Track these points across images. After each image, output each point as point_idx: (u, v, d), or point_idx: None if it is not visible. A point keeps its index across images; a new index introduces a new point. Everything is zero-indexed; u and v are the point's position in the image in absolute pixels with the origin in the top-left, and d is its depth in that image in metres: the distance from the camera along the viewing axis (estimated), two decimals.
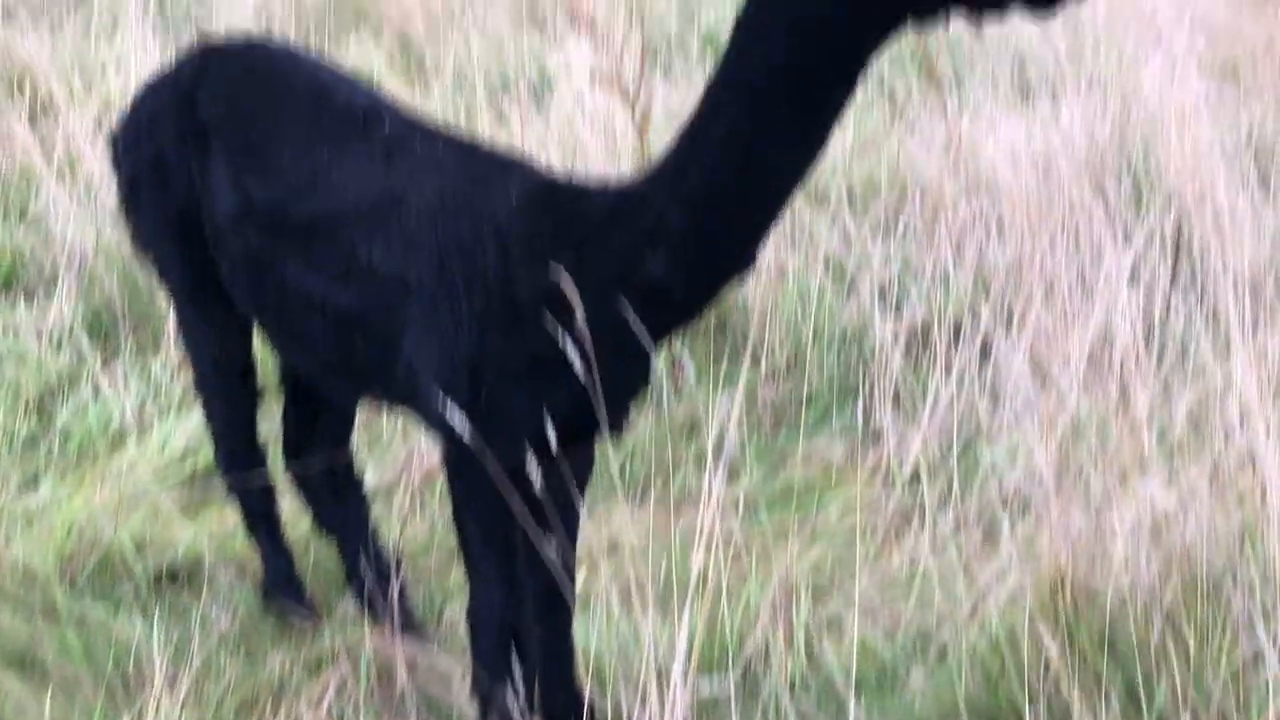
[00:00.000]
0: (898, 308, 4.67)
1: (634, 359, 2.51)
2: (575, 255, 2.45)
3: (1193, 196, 4.97)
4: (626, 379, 2.57)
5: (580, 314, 2.36)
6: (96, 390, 4.30)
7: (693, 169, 2.34)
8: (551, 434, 2.40)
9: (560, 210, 2.52)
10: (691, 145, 2.36)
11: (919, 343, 4.51)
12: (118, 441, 4.10)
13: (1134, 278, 4.58)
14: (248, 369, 3.17)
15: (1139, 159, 5.27)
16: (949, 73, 6.94)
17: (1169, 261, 4.66)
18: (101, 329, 4.70)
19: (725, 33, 6.55)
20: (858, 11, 2.19)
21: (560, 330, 2.39)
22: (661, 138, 5.75)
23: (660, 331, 2.49)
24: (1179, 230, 4.81)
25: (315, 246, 2.68)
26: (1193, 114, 5.54)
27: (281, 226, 2.72)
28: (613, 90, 4.06)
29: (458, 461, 2.56)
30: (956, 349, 4.32)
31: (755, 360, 4.45)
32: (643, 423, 4.14)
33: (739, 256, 2.45)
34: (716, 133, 2.31)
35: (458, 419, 2.40)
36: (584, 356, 2.37)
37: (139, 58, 6.35)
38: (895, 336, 4.43)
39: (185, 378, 4.20)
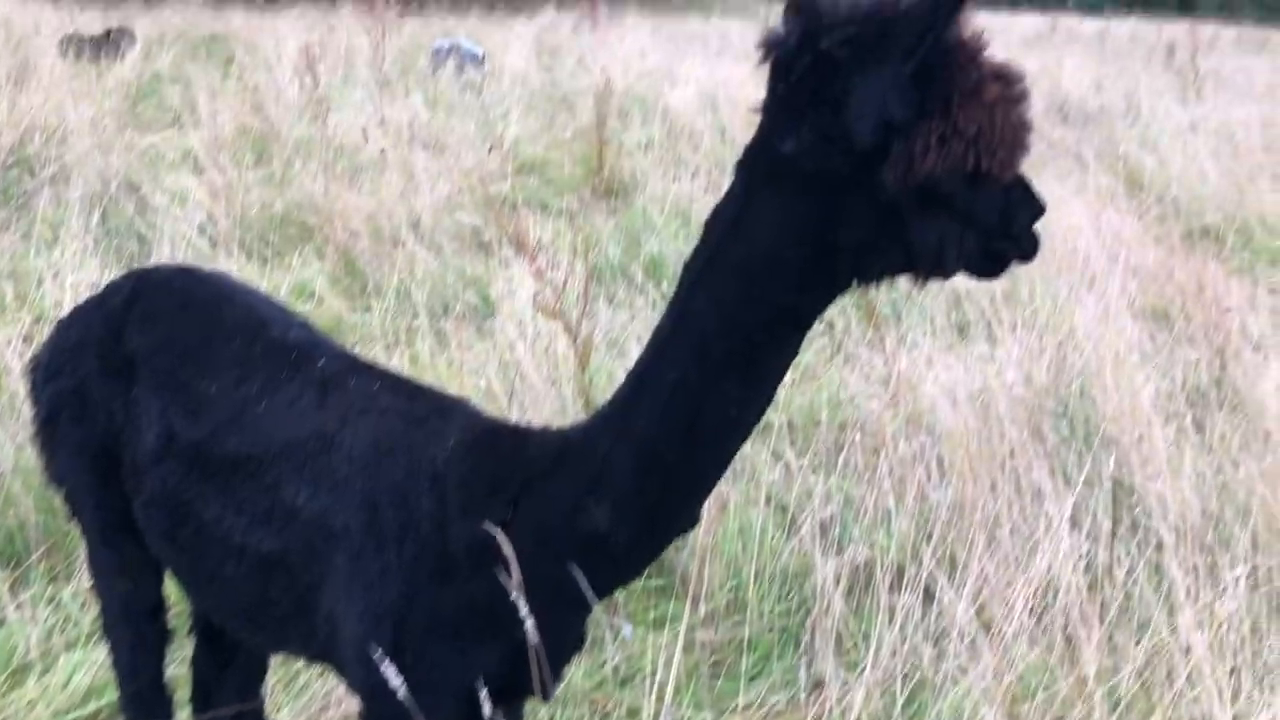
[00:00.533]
0: (839, 547, 4.60)
1: (572, 616, 2.39)
2: (515, 504, 2.36)
3: (1130, 442, 5.01)
4: (563, 637, 2.45)
5: (519, 566, 2.25)
6: (2, 619, 4.07)
7: (639, 418, 2.29)
8: (484, 695, 2.27)
9: (501, 456, 2.44)
10: (638, 394, 2.31)
11: (861, 585, 4.42)
12: (19, 676, 3.86)
13: (1075, 523, 4.57)
14: (158, 609, 3.00)
15: (1075, 402, 5.32)
16: (887, 308, 7.09)
17: (1109, 508, 4.65)
18: (13, 552, 4.49)
19: (668, 262, 6.70)
20: (808, 280, 2.18)
21: (497, 583, 2.28)
22: (603, 366, 5.82)
23: (600, 587, 2.38)
24: (1118, 476, 4.83)
25: (238, 486, 2.56)
26: (1127, 357, 5.65)
27: (204, 464, 2.61)
28: (554, 318, 4.03)
29: None
30: (899, 593, 4.24)
31: (694, 601, 4.32)
32: (575, 668, 3.98)
33: (686, 509, 2.37)
34: (664, 382, 2.26)
35: (384, 675, 2.25)
36: (523, 612, 2.25)
37: (77, 270, 6.30)
38: (837, 578, 4.34)
39: (96, 609, 4.00)
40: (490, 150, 9.94)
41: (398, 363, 5.95)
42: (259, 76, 13.51)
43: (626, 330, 6.61)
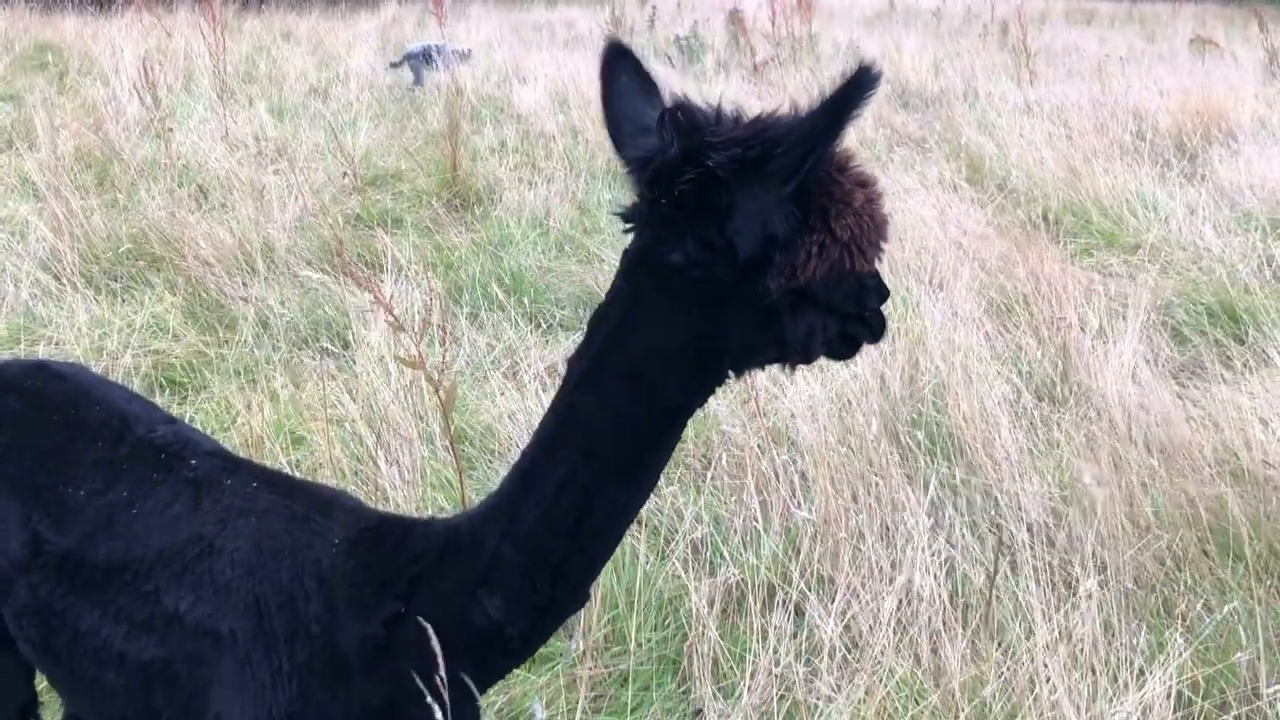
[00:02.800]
0: (711, 569, 4.71)
1: (468, 707, 2.44)
2: (405, 599, 2.40)
3: (982, 443, 5.23)
4: None
5: (413, 663, 2.29)
6: None
7: (526, 514, 2.34)
8: None
9: (387, 552, 2.46)
10: (524, 490, 2.35)
11: (734, 607, 4.54)
12: None
13: (937, 530, 4.77)
14: (28, 708, 2.96)
15: (929, 408, 5.52)
16: None
17: (965, 514, 4.86)
18: None
19: (527, 276, 6.72)
20: (692, 380, 2.27)
21: (392, 683, 2.31)
22: (470, 406, 5.86)
23: (491, 675, 2.44)
24: (971, 480, 5.04)
25: (114, 595, 2.53)
26: (976, 357, 5.88)
27: (76, 573, 2.57)
28: (415, 368, 4.05)
29: None
30: (771, 613, 4.38)
31: (572, 636, 4.40)
32: None
33: (577, 592, 2.44)
34: (550, 479, 2.32)
35: None
36: (418, 707, 2.30)
37: None
38: (710, 601, 4.45)
39: None
40: (344, 175, 9.82)
41: (256, 400, 5.90)
42: (96, 91, 13.10)
43: (489, 356, 6.64)
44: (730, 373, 2.30)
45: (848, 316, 2.29)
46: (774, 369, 2.44)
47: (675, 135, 2.17)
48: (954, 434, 5.32)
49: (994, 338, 6.51)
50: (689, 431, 5.67)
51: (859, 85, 2.05)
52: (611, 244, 8.60)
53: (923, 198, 9.04)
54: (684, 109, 2.19)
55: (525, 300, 7.50)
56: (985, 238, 8.08)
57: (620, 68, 2.40)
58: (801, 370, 5.96)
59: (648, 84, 2.39)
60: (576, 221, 9.34)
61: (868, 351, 5.89)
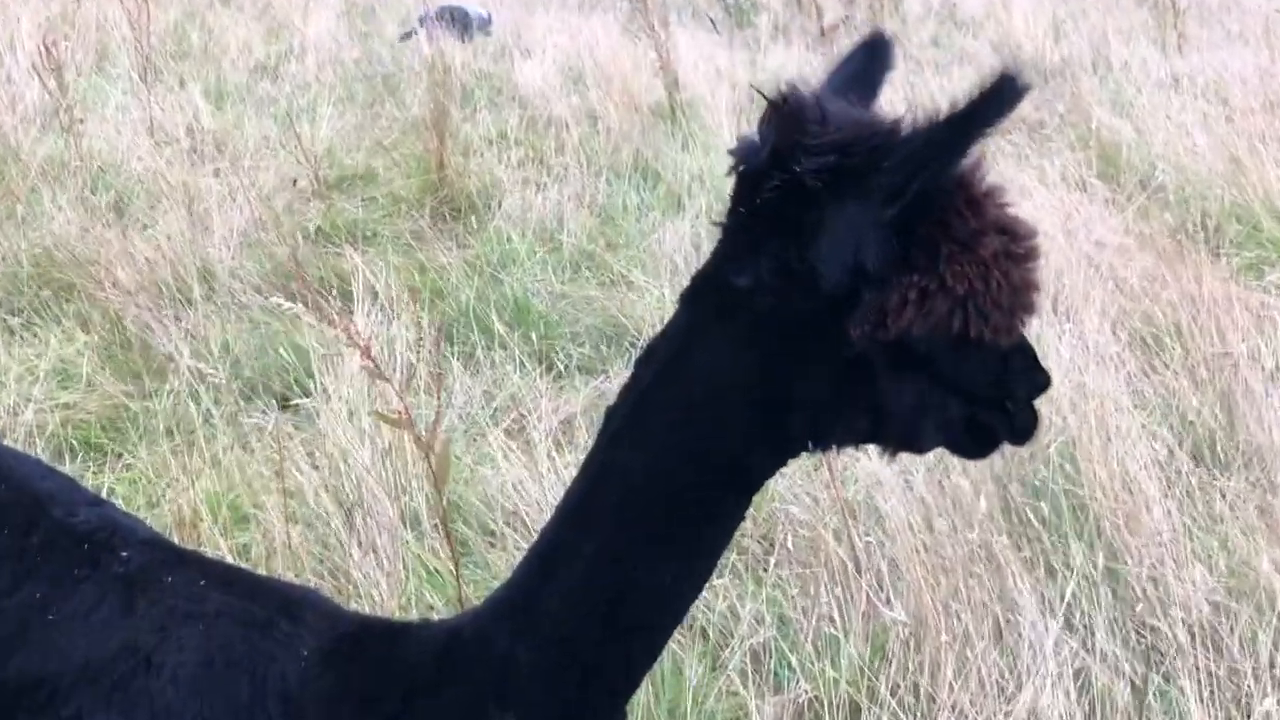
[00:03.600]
0: (777, 684, 4.74)
1: None
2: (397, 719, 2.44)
3: (1125, 518, 5.23)
4: None
5: None
6: None
7: (547, 605, 2.39)
8: None
9: (371, 665, 2.49)
10: (545, 574, 2.40)
11: None
12: None
13: (1069, 628, 4.77)
14: None
15: (1054, 471, 5.53)
16: None
17: (1105, 609, 4.86)
18: None
19: (534, 305, 6.77)
20: (755, 437, 2.34)
21: None
22: (465, 476, 5.90)
23: None
24: (1112, 567, 5.04)
25: (29, 716, 2.59)
26: (1114, 406, 5.89)
27: None
28: (400, 428, 4.11)
29: None
30: None
31: None
32: None
33: (613, 706, 2.47)
34: (578, 558, 2.37)
35: None
36: None
37: None
38: None
39: None
40: (301, 177, 9.94)
41: (191, 468, 5.96)
42: None
43: (487, 409, 6.70)
44: (808, 440, 2.35)
45: (980, 401, 2.35)
46: (871, 450, 2.50)
47: (769, 131, 2.24)
48: (1087, 507, 5.33)
49: (1137, 380, 6.51)
50: None
51: (998, 97, 2.11)
52: (642, 262, 8.67)
53: (1042, 199, 9.06)
54: (792, 101, 2.25)
55: (533, 336, 7.57)
56: (1124, 250, 8.09)
57: (858, 59, 2.52)
58: None
59: (872, 79, 2.49)
60: (597, 233, 9.41)
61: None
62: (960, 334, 2.24)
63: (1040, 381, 2.39)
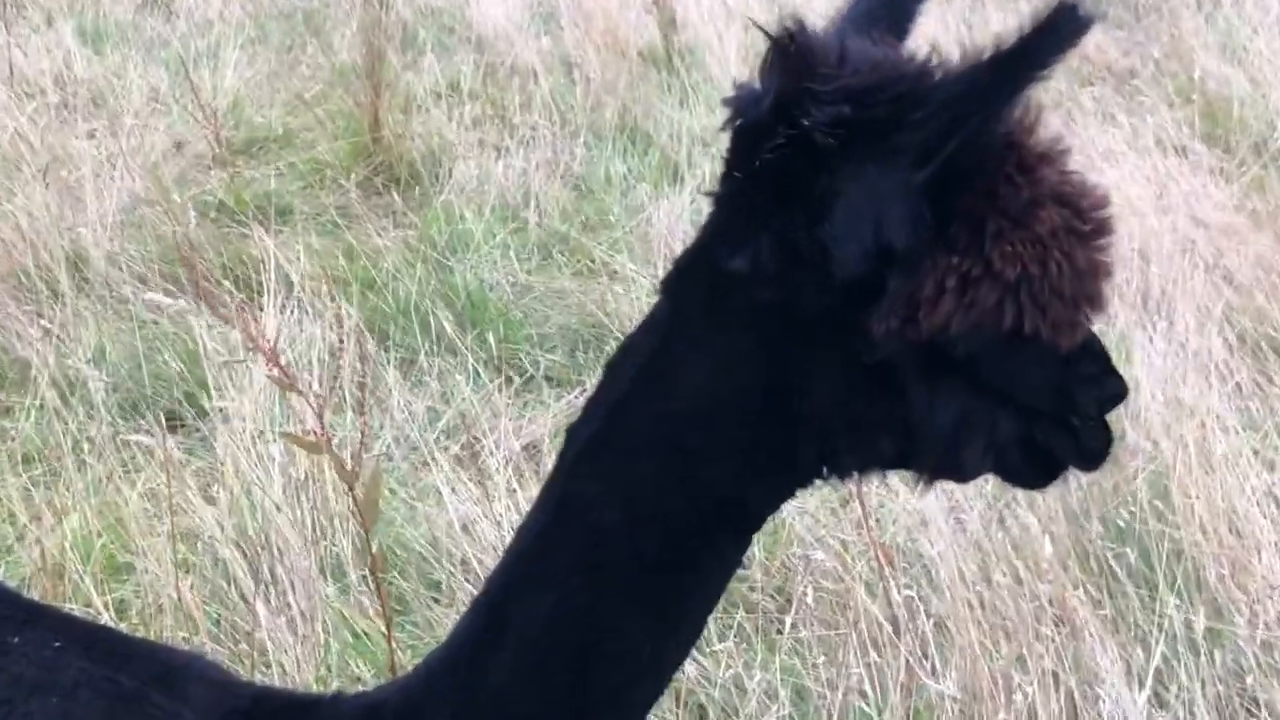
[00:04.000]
0: None
1: None
2: None
3: (1231, 567, 5.23)
4: None
5: None
6: None
7: (498, 662, 2.39)
8: None
9: None
10: (495, 625, 2.40)
11: None
12: None
13: (1155, 704, 4.77)
14: None
15: (1143, 508, 5.53)
16: None
17: (1209, 682, 4.86)
18: None
19: (492, 301, 6.77)
20: (755, 461, 2.36)
21: None
22: (398, 511, 5.90)
23: None
24: (1216, 627, 5.04)
25: None
26: (1220, 427, 5.89)
27: None
28: (317, 453, 4.10)
29: None
30: None
31: None
32: None
33: None
34: (533, 616, 2.37)
35: None
36: None
37: None
38: None
39: None
40: (179, 146, 9.91)
41: (56, 503, 5.95)
42: None
43: (432, 430, 6.69)
44: (820, 467, 2.35)
45: (1039, 416, 2.36)
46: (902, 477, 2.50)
47: (773, 78, 2.24)
48: (1184, 553, 5.33)
49: (1249, 394, 6.52)
50: (755, 551, 5.72)
51: (1053, 32, 2.10)
52: (629, 246, 8.67)
53: (1132, 166, 9.08)
54: (799, 38, 2.25)
55: (490, 339, 7.56)
56: (1233, 231, 8.11)
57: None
58: None
59: (901, 14, 2.51)
60: (572, 210, 9.42)
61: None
62: (1012, 330, 2.24)
63: (1114, 390, 2.40)
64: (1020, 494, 5.50)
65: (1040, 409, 2.33)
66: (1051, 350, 2.28)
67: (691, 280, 2.38)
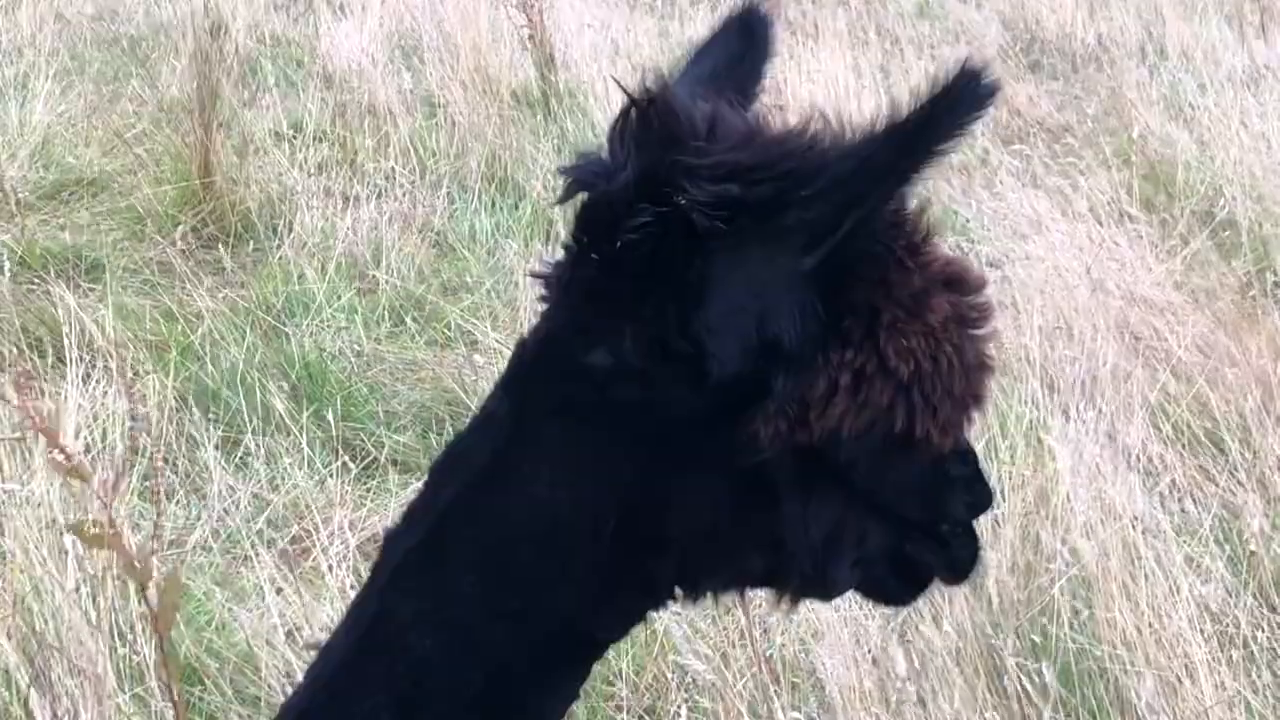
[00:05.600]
0: None
1: None
2: None
3: (1163, 690, 5.25)
4: None
5: None
6: None
7: None
8: None
9: None
10: None
11: None
12: None
13: None
14: None
15: (1061, 621, 5.54)
16: None
17: None
18: None
19: (333, 372, 6.71)
20: (605, 583, 2.34)
21: None
22: (209, 612, 5.82)
23: None
24: None
25: None
26: (1152, 532, 5.91)
27: None
28: (103, 547, 4.05)
29: None
30: None
31: None
32: None
33: None
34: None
35: None
36: None
37: None
38: None
39: None
40: None
41: None
42: None
43: (255, 520, 6.63)
44: (674, 587, 2.33)
45: (909, 526, 2.37)
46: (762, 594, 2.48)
47: (632, 145, 2.21)
48: (1109, 673, 5.35)
49: (1184, 494, 6.56)
50: (622, 665, 5.69)
51: (956, 101, 2.08)
52: (493, 313, 8.65)
53: (1062, 233, 9.16)
54: (662, 100, 2.22)
55: (329, 416, 7.50)
56: (1171, 310, 8.18)
57: (726, 43, 2.52)
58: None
59: (746, 73, 2.50)
60: (430, 270, 9.40)
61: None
62: (903, 433, 2.25)
63: (984, 495, 2.43)
64: (926, 607, 5.50)
65: (911, 517, 2.34)
66: (928, 455, 2.29)
67: (538, 380, 2.34)
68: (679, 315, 2.19)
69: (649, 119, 2.21)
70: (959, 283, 2.27)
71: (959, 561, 2.41)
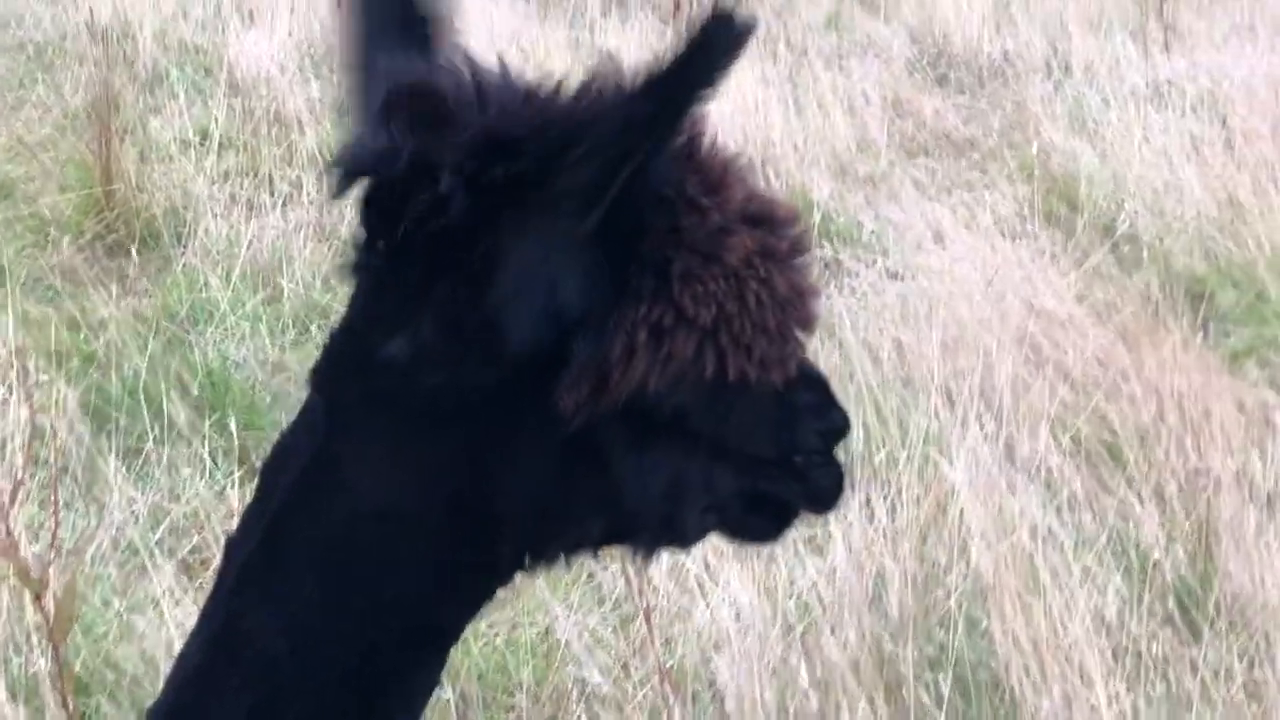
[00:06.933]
0: None
1: None
2: None
3: (1061, 699, 5.27)
4: None
5: None
6: None
7: None
8: None
9: None
10: None
11: None
12: None
13: None
14: None
15: (957, 633, 5.56)
16: None
17: None
18: None
19: (238, 382, 6.69)
20: (442, 572, 2.32)
21: None
22: (106, 623, 5.78)
23: None
24: None
25: None
26: (1050, 544, 5.94)
27: None
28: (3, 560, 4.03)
29: None
30: None
31: None
32: None
33: None
34: None
35: None
36: None
37: None
38: None
39: None
40: None
41: None
42: None
43: (155, 530, 6.59)
44: (521, 560, 2.31)
45: (757, 465, 2.36)
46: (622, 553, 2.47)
47: (405, 130, 2.19)
48: (1003, 683, 5.37)
49: (1082, 507, 6.59)
50: (522, 676, 5.68)
51: (710, 47, 2.07)
52: None
53: (964, 245, 9.19)
54: (421, 86, 2.22)
55: (232, 425, 7.45)
56: (1073, 323, 8.21)
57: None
58: (728, 563, 6.00)
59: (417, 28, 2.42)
60: (336, 279, 9.32)
61: (844, 528, 5.99)
62: (716, 377, 2.23)
63: (836, 421, 2.42)
64: (826, 618, 5.52)
65: (762, 455, 2.34)
66: (764, 390, 2.28)
67: (345, 370, 2.33)
68: (470, 296, 2.18)
69: (414, 97, 2.19)
70: (763, 218, 2.26)
71: (821, 491, 2.40)
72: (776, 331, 2.25)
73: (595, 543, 2.39)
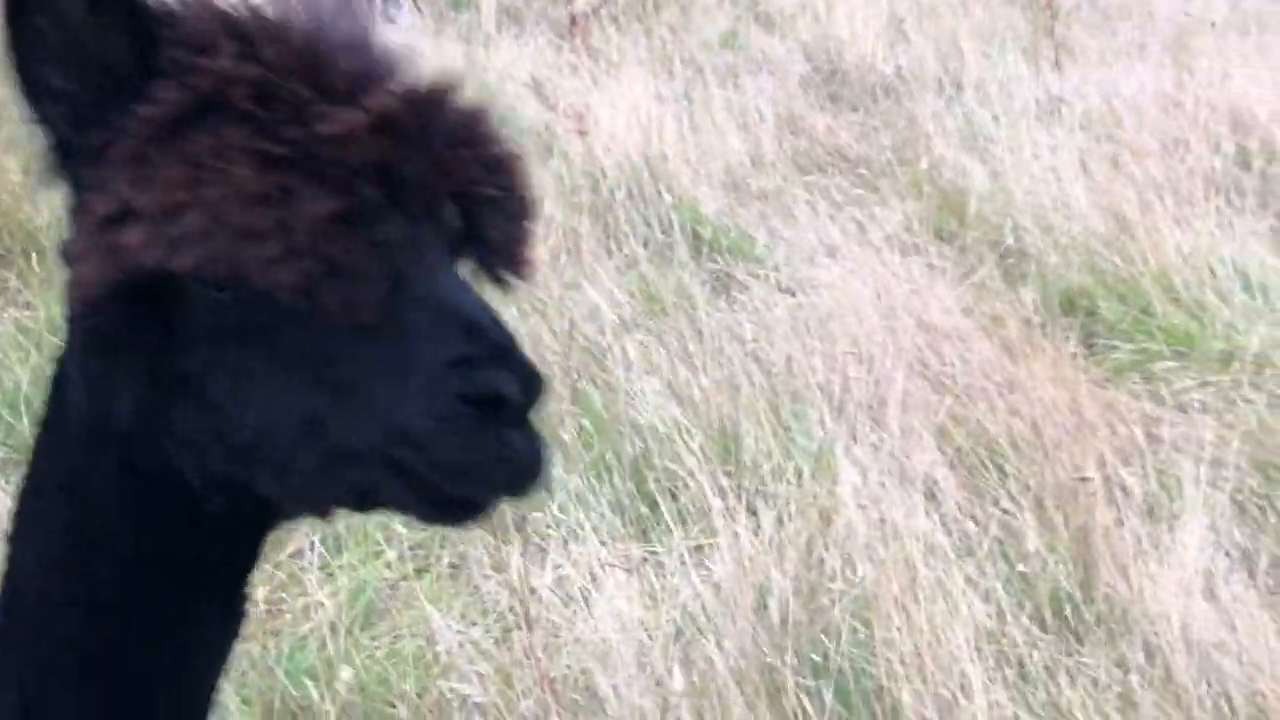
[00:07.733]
0: None
1: None
2: None
3: (938, 706, 5.30)
4: None
5: None
6: None
7: None
8: None
9: None
10: None
11: None
12: None
13: None
14: None
15: (840, 640, 5.57)
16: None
17: None
18: None
19: None
20: (126, 506, 2.32)
21: None
22: None
23: None
24: None
25: None
26: (932, 552, 5.97)
27: None
28: None
29: None
30: None
31: None
32: None
33: None
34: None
35: None
36: None
37: None
38: None
39: None
40: None
41: None
42: None
43: None
44: (210, 496, 2.25)
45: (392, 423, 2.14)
46: None
47: None
48: (887, 690, 5.38)
49: (963, 517, 6.62)
50: (404, 686, 5.66)
51: None
52: None
53: (855, 261, 9.21)
54: None
55: None
56: (959, 336, 8.25)
57: None
58: (613, 572, 6.01)
59: None
60: None
61: (730, 537, 6.01)
62: (155, 272, 2.11)
63: (489, 382, 2.09)
64: (710, 627, 5.53)
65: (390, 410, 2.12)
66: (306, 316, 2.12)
67: None
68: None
69: None
70: (248, 29, 2.21)
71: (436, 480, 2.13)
72: (253, 229, 2.06)
73: (225, 477, 2.21)
